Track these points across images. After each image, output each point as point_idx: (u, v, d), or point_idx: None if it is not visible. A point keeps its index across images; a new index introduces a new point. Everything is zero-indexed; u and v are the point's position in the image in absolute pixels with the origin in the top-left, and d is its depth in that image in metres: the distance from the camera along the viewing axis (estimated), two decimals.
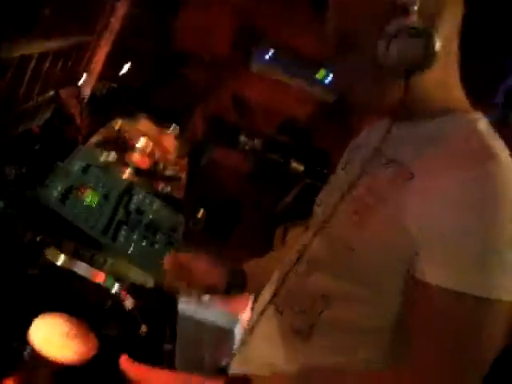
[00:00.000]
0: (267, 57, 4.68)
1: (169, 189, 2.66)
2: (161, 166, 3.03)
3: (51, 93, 2.56)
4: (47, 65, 2.37)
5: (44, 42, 2.22)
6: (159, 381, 1.01)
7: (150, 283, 1.66)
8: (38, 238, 1.53)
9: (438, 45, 1.01)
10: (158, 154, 3.19)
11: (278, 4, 4.42)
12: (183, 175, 3.11)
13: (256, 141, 4.85)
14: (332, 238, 1.17)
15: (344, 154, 1.38)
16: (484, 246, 0.94)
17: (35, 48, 2.13)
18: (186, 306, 2.14)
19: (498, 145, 1.03)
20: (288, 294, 1.25)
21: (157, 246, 1.94)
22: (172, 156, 3.38)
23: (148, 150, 3.20)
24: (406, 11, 1.01)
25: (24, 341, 1.09)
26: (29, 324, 1.13)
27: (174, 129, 3.93)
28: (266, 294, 1.33)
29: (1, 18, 1.68)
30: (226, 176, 4.66)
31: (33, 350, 1.08)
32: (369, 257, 1.08)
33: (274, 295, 1.28)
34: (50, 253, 1.48)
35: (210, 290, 1.52)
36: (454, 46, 1.13)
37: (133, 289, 1.54)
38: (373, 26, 1.05)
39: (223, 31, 4.61)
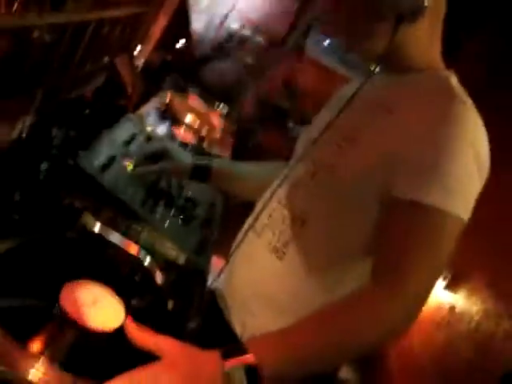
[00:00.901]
0: (323, 44, 4.63)
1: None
2: (206, 143, 3.03)
3: (106, 60, 2.58)
4: (104, 32, 2.39)
5: (102, 10, 2.23)
6: (161, 349, 1.03)
7: (182, 260, 1.66)
8: (77, 203, 1.54)
9: (428, 1, 1.17)
10: (204, 131, 3.20)
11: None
12: (227, 155, 3.11)
13: (304, 128, 4.81)
14: (315, 162, 1.31)
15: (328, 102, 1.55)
16: (451, 172, 1.10)
17: (93, 15, 2.14)
18: None
19: (466, 95, 1.20)
20: (267, 218, 1.37)
21: (194, 223, 1.94)
22: (218, 134, 3.38)
23: (195, 125, 3.21)
24: None
25: (54, 301, 1.11)
26: (61, 285, 1.14)
27: (222, 108, 3.93)
28: (247, 223, 1.47)
29: None
30: (270, 160, 4.62)
31: (61, 312, 1.09)
32: (349, 177, 1.21)
33: (255, 220, 1.40)
34: (87, 219, 1.49)
35: None
36: (442, 10, 1.27)
37: (164, 264, 1.55)
38: None
39: (282, 13, 4.58)
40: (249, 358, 1.02)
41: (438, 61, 1.31)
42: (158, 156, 1.77)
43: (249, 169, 1.79)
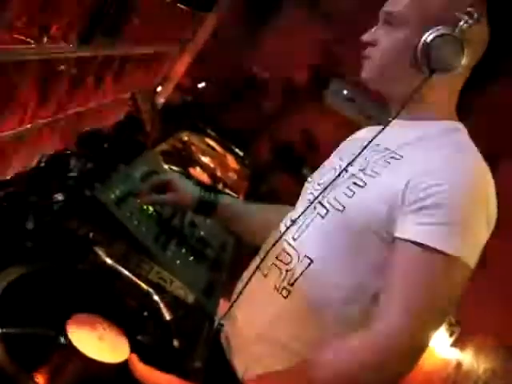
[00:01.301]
0: (343, 94, 4.67)
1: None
2: (220, 185, 3.04)
3: (127, 95, 2.61)
4: (128, 68, 2.42)
5: (129, 47, 2.26)
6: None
7: (191, 299, 1.65)
8: (90, 235, 1.54)
9: (464, 62, 1.25)
10: (219, 173, 3.21)
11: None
12: (241, 198, 3.11)
13: None
14: (326, 204, 1.33)
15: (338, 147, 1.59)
16: (461, 216, 1.12)
17: (119, 51, 2.17)
18: None
19: (472, 146, 1.27)
20: (275, 258, 1.38)
21: (204, 264, 1.93)
22: (233, 177, 3.39)
23: (211, 167, 3.23)
24: (454, 24, 1.24)
25: (61, 331, 1.10)
26: (69, 316, 1.14)
27: (238, 151, 3.95)
28: (254, 264, 1.47)
29: (93, 19, 1.73)
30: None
31: (68, 342, 1.08)
32: (358, 219, 1.24)
33: (262, 261, 1.41)
34: (99, 251, 1.49)
35: None
36: (464, 76, 1.34)
37: (173, 302, 1.54)
38: (422, 23, 1.27)
39: (302, 61, 4.62)
40: None
41: (453, 113, 1.36)
42: (164, 188, 1.79)
43: (255, 209, 1.80)
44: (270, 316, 1.34)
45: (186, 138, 3.20)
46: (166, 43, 2.94)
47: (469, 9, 1.23)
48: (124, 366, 1.10)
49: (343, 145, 1.59)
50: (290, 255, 1.35)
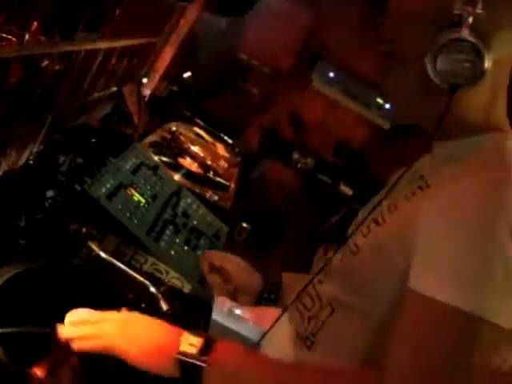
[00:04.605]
0: (329, 76, 4.67)
1: (216, 197, 2.66)
2: (211, 173, 3.04)
3: (113, 89, 2.60)
4: (113, 61, 2.41)
5: (112, 40, 2.25)
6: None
7: (187, 289, 1.66)
8: (83, 230, 1.54)
9: (487, 64, 0.97)
10: (209, 162, 3.21)
11: (347, 25, 4.42)
12: (232, 185, 3.11)
13: (309, 160, 4.85)
14: (347, 247, 1.18)
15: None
16: (478, 264, 0.90)
17: (103, 44, 2.16)
18: (218, 315, 2.14)
19: None
20: (300, 303, 1.26)
21: (198, 252, 1.94)
22: (223, 166, 3.39)
23: (200, 156, 3.22)
24: (458, 24, 0.98)
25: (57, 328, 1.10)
26: (65, 312, 1.14)
27: (227, 139, 3.95)
28: (284, 306, 1.36)
29: (73, 13, 1.71)
30: (275, 191, 4.66)
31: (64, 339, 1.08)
32: (367, 261, 1.09)
33: (291, 304, 1.30)
34: (93, 246, 1.49)
35: (243, 291, 1.54)
36: (507, 69, 1.09)
37: (169, 292, 1.54)
38: (424, 36, 1.02)
39: (288, 46, 4.62)
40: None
41: (501, 121, 1.11)
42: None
43: None
44: (294, 362, 1.22)
45: (174, 129, 3.19)
46: (149, 35, 2.93)
47: None
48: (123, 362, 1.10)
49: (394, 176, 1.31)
50: (312, 300, 1.24)
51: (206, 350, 1.03)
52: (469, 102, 1.07)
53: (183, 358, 1.02)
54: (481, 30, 0.97)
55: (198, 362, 1.02)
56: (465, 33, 0.97)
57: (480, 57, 0.97)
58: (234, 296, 1.56)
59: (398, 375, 0.92)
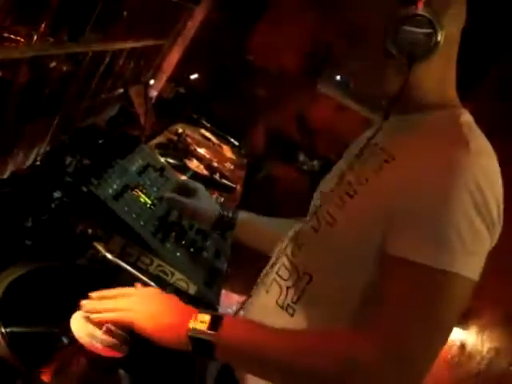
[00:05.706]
0: (336, 79, 4.66)
1: (222, 199, 2.67)
2: (217, 175, 3.04)
3: (120, 90, 2.61)
4: (120, 63, 2.42)
5: (119, 42, 2.26)
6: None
7: (193, 290, 1.66)
8: (89, 231, 1.55)
9: (440, 37, 1.09)
10: (215, 164, 3.21)
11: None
12: (238, 187, 3.11)
13: (315, 162, 4.84)
14: (319, 217, 1.27)
15: (346, 150, 1.48)
16: (447, 228, 1.02)
17: (110, 46, 2.17)
18: None
19: (474, 136, 1.11)
20: (275, 273, 1.34)
21: (204, 255, 1.94)
22: (229, 167, 3.39)
23: (207, 158, 3.23)
24: (414, 2, 1.09)
25: (65, 328, 1.10)
26: (71, 313, 1.14)
27: (234, 141, 3.95)
28: (260, 276, 1.43)
29: (81, 15, 1.72)
30: (281, 193, 4.66)
31: (72, 339, 1.09)
32: (348, 232, 1.18)
33: (265, 276, 1.39)
34: (99, 247, 1.49)
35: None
36: (455, 46, 1.20)
37: (175, 293, 1.54)
38: (383, 12, 1.13)
39: (294, 48, 4.61)
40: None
41: (452, 98, 1.23)
42: (188, 191, 1.81)
43: (271, 223, 1.77)
44: None
45: (180, 130, 3.20)
46: (156, 36, 2.93)
47: None
48: (129, 357, 1.10)
49: (351, 145, 1.46)
50: (288, 271, 1.31)
51: (214, 325, 1.09)
52: (423, 76, 1.17)
53: (193, 333, 1.08)
54: (433, 7, 1.10)
55: (206, 337, 1.07)
56: (421, 9, 1.09)
57: (434, 30, 1.09)
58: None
59: (382, 334, 1.03)
